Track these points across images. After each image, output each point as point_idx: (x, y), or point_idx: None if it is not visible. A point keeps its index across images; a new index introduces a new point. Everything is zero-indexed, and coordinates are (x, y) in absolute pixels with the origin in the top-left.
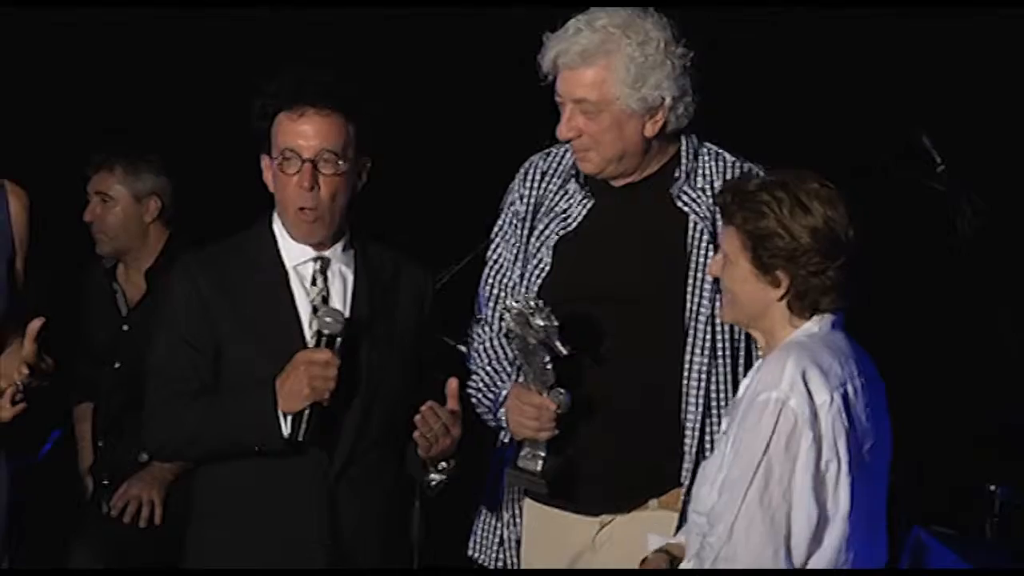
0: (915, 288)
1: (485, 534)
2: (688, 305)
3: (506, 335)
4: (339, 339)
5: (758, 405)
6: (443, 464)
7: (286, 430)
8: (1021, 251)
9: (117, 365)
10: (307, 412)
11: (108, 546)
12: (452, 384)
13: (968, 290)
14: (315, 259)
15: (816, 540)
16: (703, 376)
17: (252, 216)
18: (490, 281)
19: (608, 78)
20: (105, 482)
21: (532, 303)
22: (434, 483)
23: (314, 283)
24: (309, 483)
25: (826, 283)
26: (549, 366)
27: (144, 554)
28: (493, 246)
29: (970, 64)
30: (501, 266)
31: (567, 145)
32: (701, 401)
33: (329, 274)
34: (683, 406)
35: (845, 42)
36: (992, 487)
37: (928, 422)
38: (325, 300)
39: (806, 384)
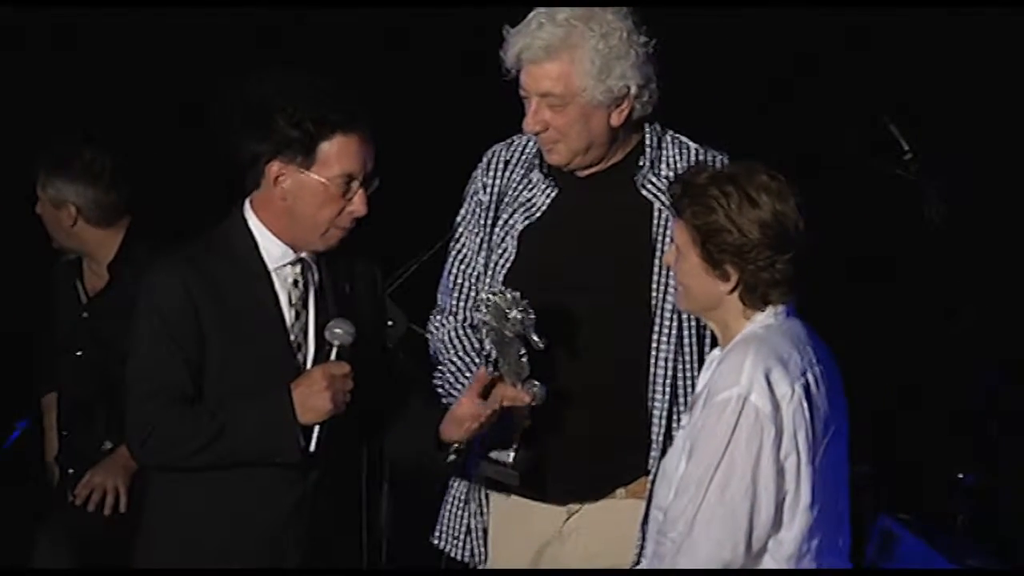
0: (884, 276)
1: (451, 523)
2: (653, 293)
3: (477, 327)
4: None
5: (719, 403)
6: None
7: (303, 443)
8: (988, 239)
9: (79, 353)
10: (322, 424)
11: (74, 535)
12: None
13: (936, 276)
14: (295, 262)
15: (777, 532)
16: (669, 364)
17: (204, 207)
18: (454, 271)
19: (573, 71)
20: (70, 471)
21: (509, 296)
22: (451, 459)
23: (295, 286)
24: (285, 480)
25: (776, 276)
26: (524, 358)
27: (110, 543)
28: (456, 235)
29: (942, 55)
30: (465, 256)
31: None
32: (668, 389)
33: (309, 277)
34: (650, 394)
35: (817, 32)
36: (960, 475)
37: (896, 410)
38: (305, 304)
39: (767, 378)
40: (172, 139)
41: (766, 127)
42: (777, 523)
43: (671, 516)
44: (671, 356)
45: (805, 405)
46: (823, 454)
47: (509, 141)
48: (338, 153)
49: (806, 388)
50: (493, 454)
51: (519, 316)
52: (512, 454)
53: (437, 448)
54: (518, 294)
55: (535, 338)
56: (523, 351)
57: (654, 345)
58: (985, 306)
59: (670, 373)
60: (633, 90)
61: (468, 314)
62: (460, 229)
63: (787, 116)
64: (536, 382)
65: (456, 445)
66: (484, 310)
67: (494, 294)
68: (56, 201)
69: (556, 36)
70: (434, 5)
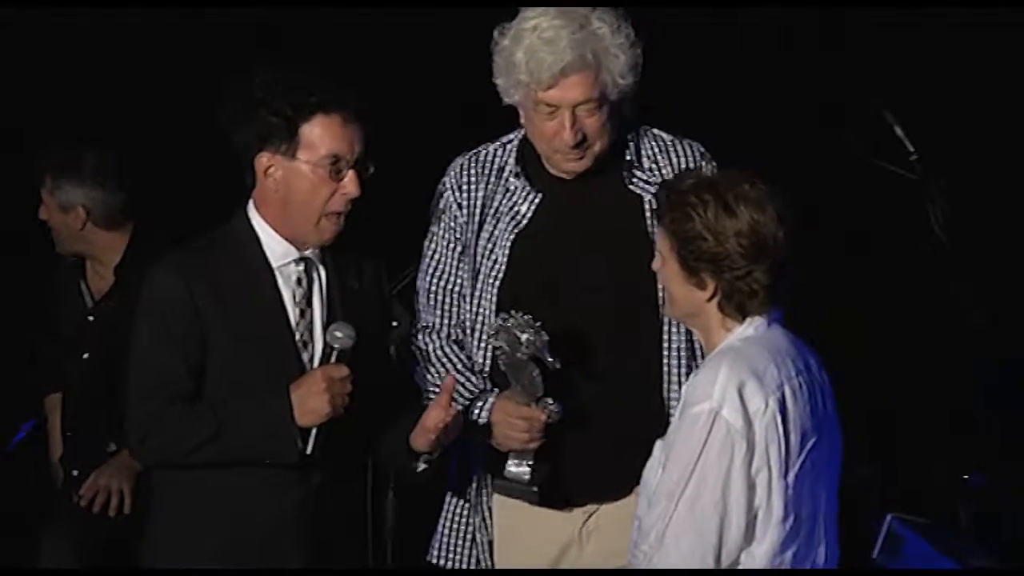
0: (888, 277)
1: (451, 539)
2: (658, 286)
3: (462, 342)
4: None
5: (691, 417)
6: (429, 454)
7: (300, 444)
8: (990, 238)
9: (85, 356)
10: (320, 426)
11: (78, 536)
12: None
13: (940, 279)
14: (298, 260)
15: (749, 545)
16: (683, 355)
17: (208, 207)
18: (432, 288)
19: (600, 74)
20: (75, 472)
21: (521, 319)
22: (421, 468)
23: (299, 284)
24: (287, 481)
25: (752, 287)
26: (538, 377)
27: (114, 544)
28: (429, 253)
29: (942, 56)
30: (442, 272)
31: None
32: (684, 377)
33: (314, 275)
34: (665, 387)
35: (820, 31)
36: (965, 476)
37: (900, 410)
38: (309, 302)
39: (740, 392)
40: (172, 140)
41: (766, 127)
42: (749, 537)
43: (644, 528)
44: (684, 346)
45: (779, 419)
46: (800, 467)
47: (475, 152)
48: (321, 134)
49: (781, 402)
50: (509, 473)
51: (532, 338)
52: (530, 472)
53: (409, 457)
54: (529, 316)
55: (549, 359)
56: (536, 371)
57: (665, 338)
58: (988, 305)
59: (684, 363)
60: (633, 82)
61: (452, 330)
62: (432, 246)
63: (787, 116)
64: (550, 400)
65: (427, 455)
66: (495, 335)
67: (504, 319)
68: (66, 205)
69: (581, 41)
70: (436, 5)
